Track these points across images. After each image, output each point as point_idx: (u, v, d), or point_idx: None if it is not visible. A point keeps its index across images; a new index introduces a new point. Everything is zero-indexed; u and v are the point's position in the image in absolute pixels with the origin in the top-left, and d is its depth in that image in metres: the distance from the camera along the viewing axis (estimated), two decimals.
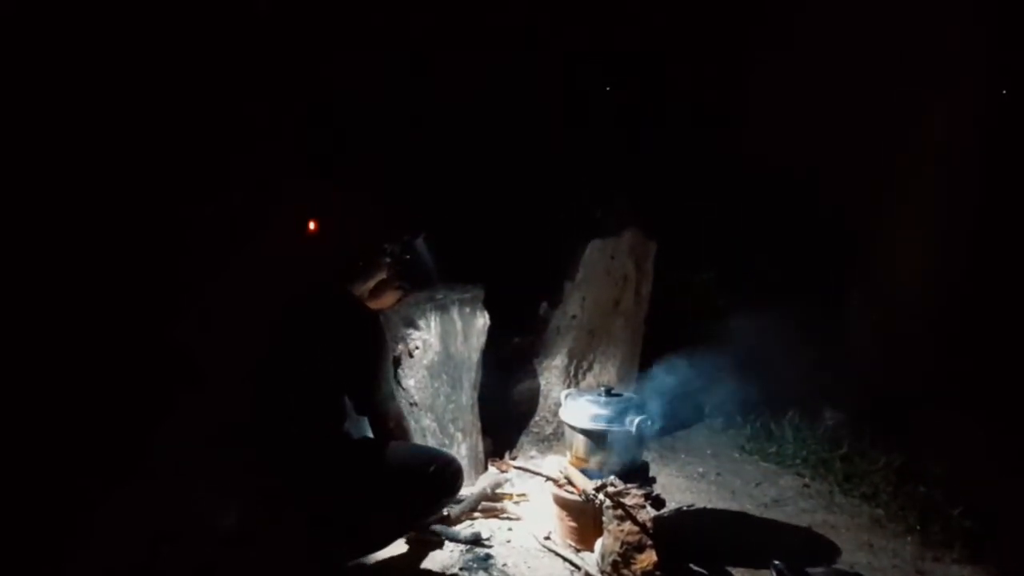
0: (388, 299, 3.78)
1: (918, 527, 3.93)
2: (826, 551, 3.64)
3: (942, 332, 5.76)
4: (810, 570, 3.17)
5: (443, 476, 3.01)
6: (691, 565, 3.33)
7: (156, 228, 3.39)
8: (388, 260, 3.06)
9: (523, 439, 4.58)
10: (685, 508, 3.91)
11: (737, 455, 4.95)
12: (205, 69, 3.87)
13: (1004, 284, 5.99)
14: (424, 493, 3.01)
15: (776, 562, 3.12)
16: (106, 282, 3.08)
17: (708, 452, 4.96)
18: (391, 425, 2.99)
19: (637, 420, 3.36)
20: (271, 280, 2.89)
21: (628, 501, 3.19)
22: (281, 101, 4.02)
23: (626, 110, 6.37)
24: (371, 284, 3.07)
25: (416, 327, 3.85)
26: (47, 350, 3.12)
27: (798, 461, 4.77)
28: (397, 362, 3.82)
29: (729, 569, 3.35)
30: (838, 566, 3.44)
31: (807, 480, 4.54)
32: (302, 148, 3.40)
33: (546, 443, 4.56)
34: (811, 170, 5.99)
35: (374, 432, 3.01)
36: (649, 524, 3.14)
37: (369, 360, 2.86)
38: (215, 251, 3.02)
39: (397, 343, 3.83)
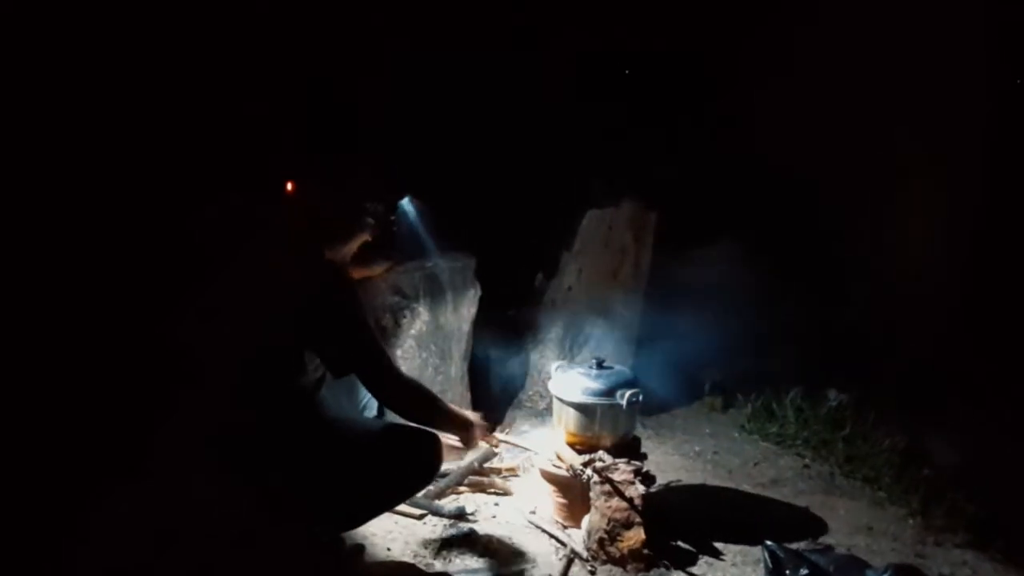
0: (377, 268, 3.69)
1: (920, 511, 3.82)
2: (823, 532, 3.53)
3: (945, 319, 5.66)
4: (804, 551, 3.05)
5: (423, 457, 2.86)
6: (679, 543, 3.23)
7: (156, 228, 3.29)
8: (371, 221, 2.89)
9: (515, 413, 4.48)
10: (672, 484, 3.81)
11: (736, 434, 4.83)
12: (204, 68, 3.79)
13: (1007, 276, 5.89)
14: (403, 475, 2.85)
15: (768, 542, 3.00)
16: (106, 281, 2.99)
17: (706, 431, 4.84)
18: (409, 395, 2.78)
19: (628, 394, 3.26)
20: (263, 273, 2.72)
21: (616, 477, 3.09)
22: (281, 99, 3.92)
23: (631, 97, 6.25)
24: (353, 246, 2.91)
25: (404, 295, 3.75)
26: (47, 350, 3.04)
27: (799, 442, 4.65)
28: (384, 331, 3.72)
29: (719, 548, 3.25)
30: (835, 548, 3.32)
31: (807, 461, 4.43)
32: (302, 146, 3.27)
33: (539, 418, 4.45)
34: (813, 166, 5.87)
35: (396, 412, 2.82)
36: (638, 501, 3.04)
37: (346, 325, 2.68)
38: (216, 251, 2.87)
39: (384, 312, 3.73)
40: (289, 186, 2.84)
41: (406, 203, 3.35)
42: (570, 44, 5.73)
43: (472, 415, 3.02)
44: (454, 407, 3.01)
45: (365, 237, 2.93)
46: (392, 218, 3.02)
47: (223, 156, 3.62)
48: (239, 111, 3.80)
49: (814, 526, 3.59)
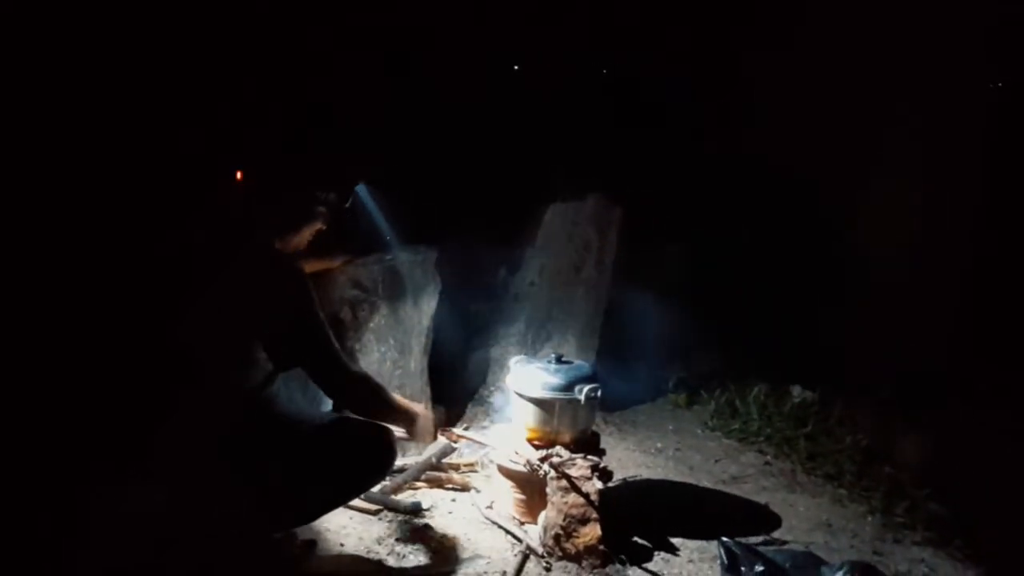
0: (335, 260, 3.63)
1: (881, 508, 3.84)
2: (782, 529, 3.52)
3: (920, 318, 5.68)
4: (760, 548, 3.04)
5: (376, 452, 2.80)
6: (636, 539, 3.21)
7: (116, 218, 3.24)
8: (323, 210, 2.82)
9: (476, 408, 4.42)
10: (632, 480, 3.78)
11: (700, 431, 4.82)
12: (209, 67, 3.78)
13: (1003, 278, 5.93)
14: (356, 470, 2.80)
15: (724, 539, 2.98)
16: (104, 281, 2.92)
17: (670, 427, 4.82)
18: (357, 389, 2.73)
19: (586, 389, 3.22)
20: (211, 263, 2.65)
21: (573, 472, 3.06)
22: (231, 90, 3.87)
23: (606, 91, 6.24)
24: (306, 236, 2.84)
25: (363, 288, 3.69)
26: (46, 350, 2.98)
27: (762, 439, 4.65)
28: (342, 325, 3.66)
29: (676, 544, 3.23)
30: (793, 544, 3.31)
31: (769, 458, 4.42)
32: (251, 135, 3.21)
33: (500, 413, 4.40)
34: (807, 165, 5.88)
35: (350, 408, 2.81)
36: (594, 496, 3.01)
37: (294, 316, 2.62)
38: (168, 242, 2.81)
39: (342, 305, 3.66)
40: (238, 175, 2.78)
41: (361, 192, 3.28)
42: (550, 41, 5.72)
43: (419, 407, 2.95)
44: (404, 400, 2.95)
45: (318, 226, 2.86)
46: (346, 206, 2.94)
47: (177, 148, 3.56)
48: (196, 104, 3.74)
49: (773, 522, 3.58)
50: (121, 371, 2.60)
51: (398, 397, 2.91)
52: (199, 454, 2.48)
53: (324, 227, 2.89)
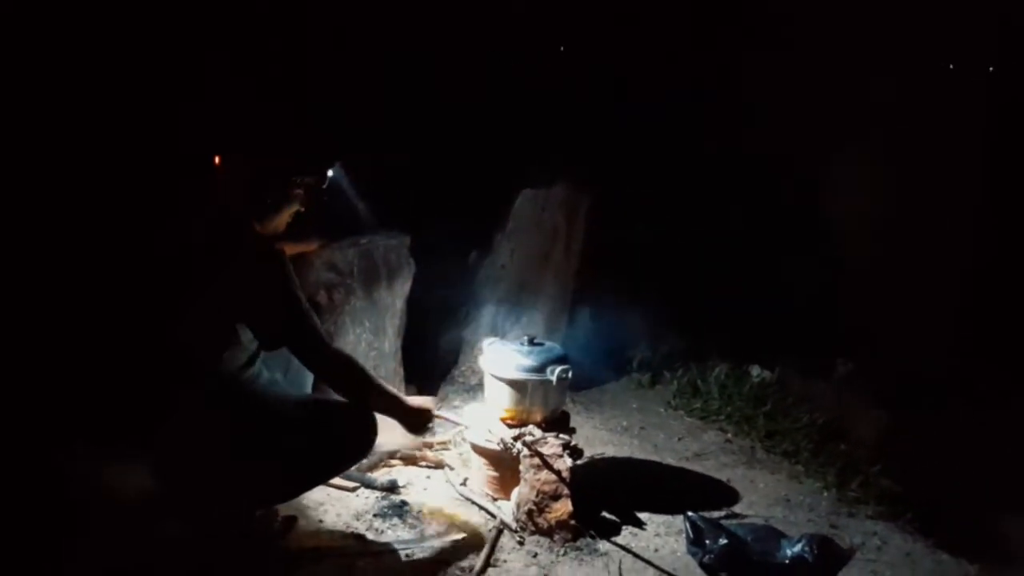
0: (311, 244, 3.70)
1: (836, 484, 3.97)
2: (742, 504, 3.65)
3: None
4: (723, 521, 3.18)
5: (357, 432, 2.86)
6: (605, 514, 3.33)
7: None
8: (299, 191, 2.87)
9: (448, 388, 4.53)
10: (600, 458, 3.91)
11: (663, 410, 4.94)
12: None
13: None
14: (336, 449, 2.85)
15: (689, 513, 3.12)
16: (105, 280, 2.95)
17: (634, 406, 4.94)
18: (340, 368, 2.77)
19: (558, 370, 3.33)
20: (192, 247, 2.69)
21: (545, 450, 3.17)
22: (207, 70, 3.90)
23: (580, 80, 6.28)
24: (284, 218, 2.88)
25: (338, 271, 3.76)
26: (46, 350, 3.01)
27: (722, 417, 4.77)
28: (318, 307, 3.72)
29: (643, 518, 3.36)
30: (753, 519, 3.45)
31: (730, 436, 4.55)
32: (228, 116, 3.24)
33: (471, 393, 4.50)
34: (782, 151, 5.95)
35: (329, 384, 2.84)
36: (566, 473, 3.12)
37: (276, 297, 2.67)
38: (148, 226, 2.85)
39: (318, 288, 3.73)
40: (216, 159, 2.82)
41: (337, 175, 3.33)
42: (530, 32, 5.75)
43: (416, 401, 2.99)
44: (392, 388, 2.98)
45: (296, 209, 2.90)
46: (323, 187, 2.99)
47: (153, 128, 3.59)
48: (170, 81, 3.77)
49: (734, 498, 3.71)
50: (108, 356, 2.66)
51: (385, 384, 2.93)
52: (183, 434, 2.55)
53: (302, 209, 2.94)
